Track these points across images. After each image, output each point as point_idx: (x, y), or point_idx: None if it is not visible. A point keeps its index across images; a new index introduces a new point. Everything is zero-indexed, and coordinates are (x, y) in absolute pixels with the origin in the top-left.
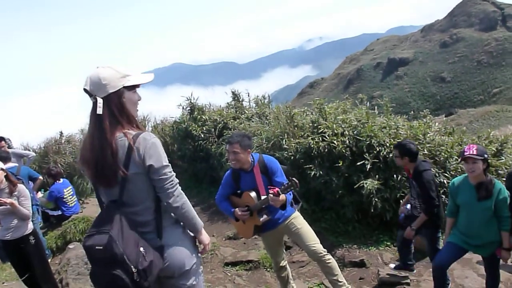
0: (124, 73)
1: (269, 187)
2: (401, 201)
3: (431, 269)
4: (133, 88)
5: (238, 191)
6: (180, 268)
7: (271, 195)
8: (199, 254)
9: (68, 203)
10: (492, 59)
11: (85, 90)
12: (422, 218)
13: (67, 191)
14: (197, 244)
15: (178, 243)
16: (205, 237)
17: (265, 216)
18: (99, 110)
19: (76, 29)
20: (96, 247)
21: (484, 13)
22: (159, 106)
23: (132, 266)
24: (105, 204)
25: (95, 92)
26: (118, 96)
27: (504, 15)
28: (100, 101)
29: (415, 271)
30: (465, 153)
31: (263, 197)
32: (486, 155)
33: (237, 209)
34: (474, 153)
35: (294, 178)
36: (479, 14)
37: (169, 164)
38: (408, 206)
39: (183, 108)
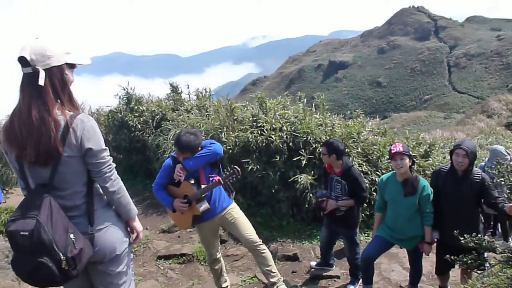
0: (67, 50)
1: (209, 175)
2: None
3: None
4: (73, 67)
5: (176, 181)
6: (110, 252)
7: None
8: (131, 244)
9: None
10: (425, 67)
11: (21, 58)
12: (350, 203)
13: None
14: (128, 231)
15: (110, 225)
16: (138, 224)
17: (204, 205)
18: (41, 81)
19: (9, 9)
20: (21, 233)
21: (418, 23)
22: (94, 96)
23: (60, 254)
24: (33, 187)
25: (35, 62)
26: (60, 72)
27: (437, 26)
28: (42, 71)
29: (334, 268)
30: (392, 151)
31: (203, 186)
32: (410, 152)
33: (176, 200)
34: (401, 149)
35: (236, 166)
36: (414, 24)
37: (107, 148)
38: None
39: (120, 98)
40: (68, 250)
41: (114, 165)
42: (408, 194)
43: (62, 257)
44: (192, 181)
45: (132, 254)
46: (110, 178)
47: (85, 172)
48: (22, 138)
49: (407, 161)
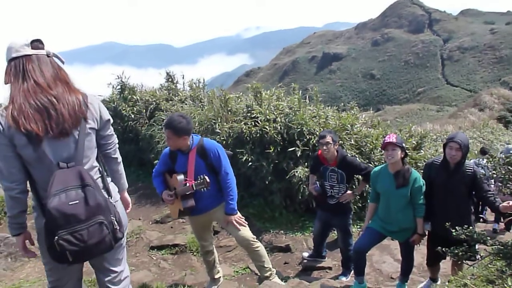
0: None
1: (185, 178)
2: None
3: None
4: None
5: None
6: (125, 224)
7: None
8: None
9: None
10: (418, 60)
11: (39, 40)
12: (363, 185)
13: None
14: None
15: (120, 200)
16: (128, 196)
17: (188, 203)
18: (63, 60)
19: None
20: (70, 203)
21: (413, 16)
22: (86, 86)
23: (111, 215)
24: (55, 164)
25: (45, 47)
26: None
27: (431, 19)
28: (57, 54)
29: (326, 259)
30: (386, 141)
31: (187, 184)
32: (403, 144)
33: (165, 192)
34: (394, 140)
35: (206, 177)
36: (408, 16)
37: None
38: (317, 184)
39: (113, 87)
40: (116, 212)
41: None
42: (400, 186)
43: (113, 218)
44: (181, 176)
45: None
46: (117, 149)
47: (96, 147)
48: (47, 110)
49: (398, 152)
